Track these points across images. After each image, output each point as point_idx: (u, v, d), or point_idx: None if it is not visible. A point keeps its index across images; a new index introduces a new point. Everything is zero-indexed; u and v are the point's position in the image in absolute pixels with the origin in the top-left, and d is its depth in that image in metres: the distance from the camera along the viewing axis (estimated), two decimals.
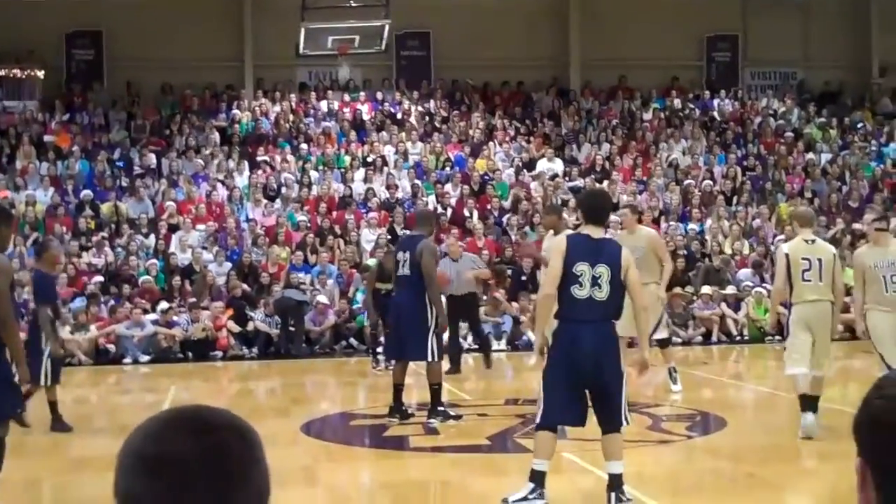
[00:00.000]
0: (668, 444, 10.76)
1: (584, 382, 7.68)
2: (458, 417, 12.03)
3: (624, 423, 7.74)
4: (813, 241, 10.73)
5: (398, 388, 12.13)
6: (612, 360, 7.68)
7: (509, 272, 22.10)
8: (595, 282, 7.61)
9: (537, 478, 7.64)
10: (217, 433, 1.74)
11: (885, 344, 10.40)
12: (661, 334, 13.83)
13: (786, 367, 10.70)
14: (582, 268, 7.64)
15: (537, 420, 7.78)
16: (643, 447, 10.43)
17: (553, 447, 7.75)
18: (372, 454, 10.97)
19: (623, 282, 7.70)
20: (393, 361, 12.95)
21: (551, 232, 13.00)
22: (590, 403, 7.77)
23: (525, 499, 7.61)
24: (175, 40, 27.47)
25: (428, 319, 11.72)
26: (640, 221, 14.61)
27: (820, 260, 10.48)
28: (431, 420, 11.84)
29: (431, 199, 24.55)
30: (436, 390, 11.98)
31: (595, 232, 7.92)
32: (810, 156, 27.65)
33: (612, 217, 21.56)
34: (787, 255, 10.62)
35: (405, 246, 12.23)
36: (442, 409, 12.00)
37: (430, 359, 11.87)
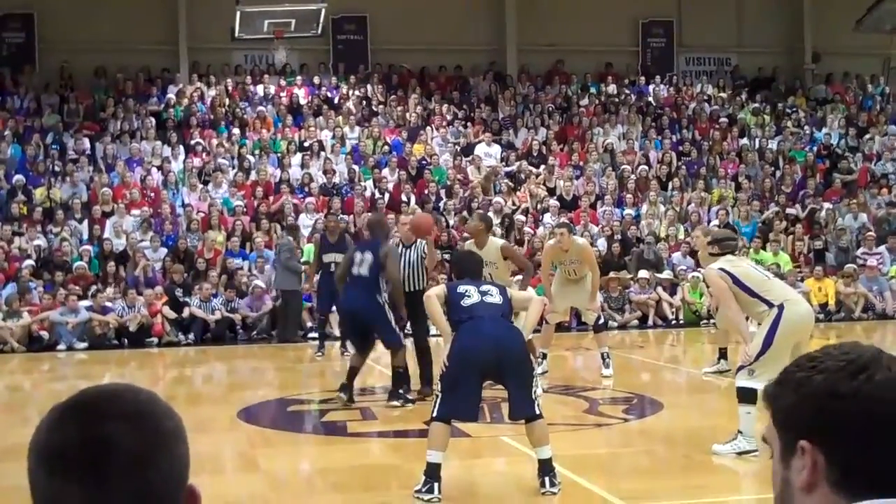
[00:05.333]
0: (605, 427, 10.82)
1: (486, 372, 7.79)
2: (412, 402, 12.00)
3: (536, 412, 7.69)
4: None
5: (354, 371, 12.11)
6: (516, 349, 7.80)
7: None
8: (485, 294, 8.02)
9: (431, 470, 7.60)
10: (103, 424, 1.65)
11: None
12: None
13: (748, 378, 8.64)
14: (466, 287, 8.09)
15: (434, 413, 7.77)
16: (580, 430, 10.49)
17: (447, 438, 7.76)
18: (310, 439, 10.95)
19: (511, 302, 8.15)
20: (351, 348, 12.92)
21: (471, 242, 11.33)
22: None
23: (419, 491, 7.58)
24: (108, 23, 27.09)
25: (386, 311, 11.89)
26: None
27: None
28: (394, 402, 11.85)
29: (369, 183, 24.49)
30: (400, 374, 12.03)
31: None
32: (744, 141, 27.97)
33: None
34: (731, 275, 8.80)
35: (367, 248, 12.27)
36: (402, 392, 11.99)
37: (400, 344, 12.01)
